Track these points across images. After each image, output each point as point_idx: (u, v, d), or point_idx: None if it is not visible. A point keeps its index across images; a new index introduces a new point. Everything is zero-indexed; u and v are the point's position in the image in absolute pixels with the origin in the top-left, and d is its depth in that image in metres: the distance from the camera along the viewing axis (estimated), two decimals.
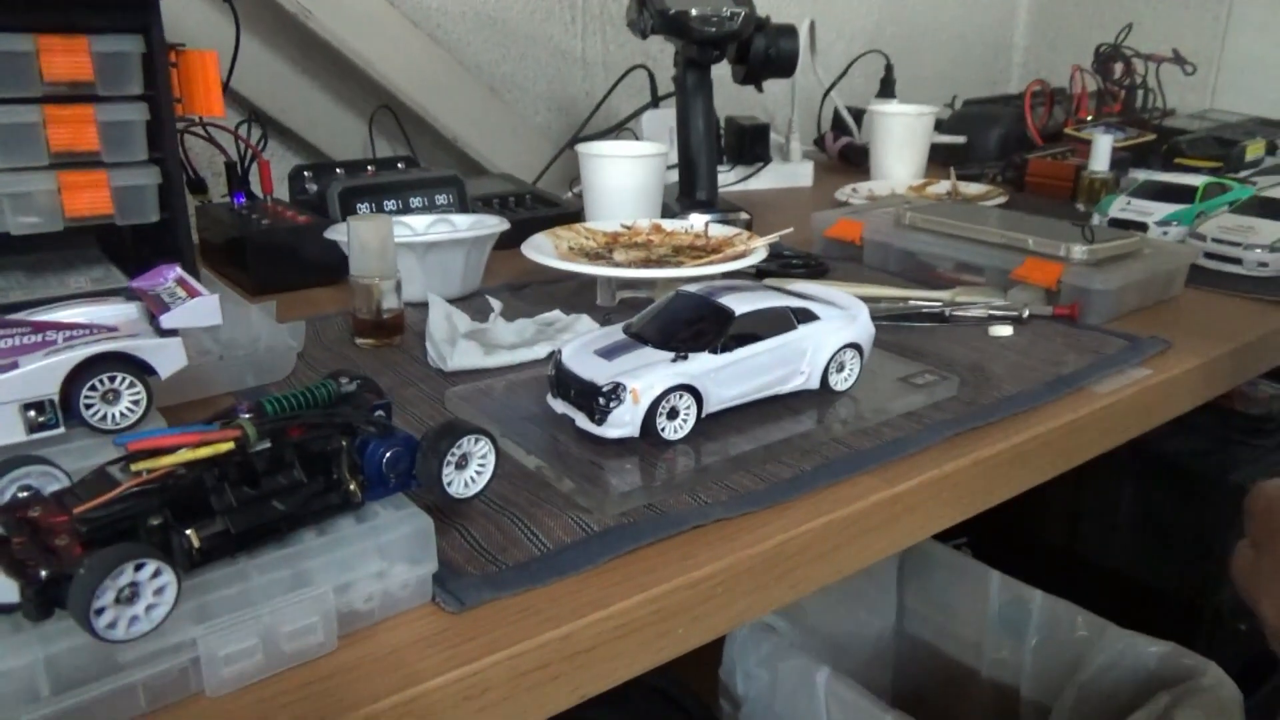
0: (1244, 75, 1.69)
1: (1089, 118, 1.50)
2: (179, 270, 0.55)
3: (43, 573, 0.32)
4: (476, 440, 0.43)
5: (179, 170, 0.81)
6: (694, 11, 0.98)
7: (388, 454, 0.41)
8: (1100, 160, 1.18)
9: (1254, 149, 1.29)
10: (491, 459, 0.44)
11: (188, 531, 0.35)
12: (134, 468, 0.35)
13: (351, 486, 0.40)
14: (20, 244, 0.74)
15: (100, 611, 0.31)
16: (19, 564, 0.33)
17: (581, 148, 1.01)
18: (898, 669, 1.25)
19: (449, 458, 0.42)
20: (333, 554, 0.38)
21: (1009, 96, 1.64)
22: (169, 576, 0.33)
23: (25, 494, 0.38)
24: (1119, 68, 1.54)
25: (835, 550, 0.51)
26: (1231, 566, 0.58)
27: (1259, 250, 0.89)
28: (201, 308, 0.47)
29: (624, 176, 0.98)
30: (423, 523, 0.40)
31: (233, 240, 0.89)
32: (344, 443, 0.40)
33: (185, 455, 0.36)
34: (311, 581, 0.38)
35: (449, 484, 0.42)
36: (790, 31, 1.12)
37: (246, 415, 0.38)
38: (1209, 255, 0.92)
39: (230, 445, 0.36)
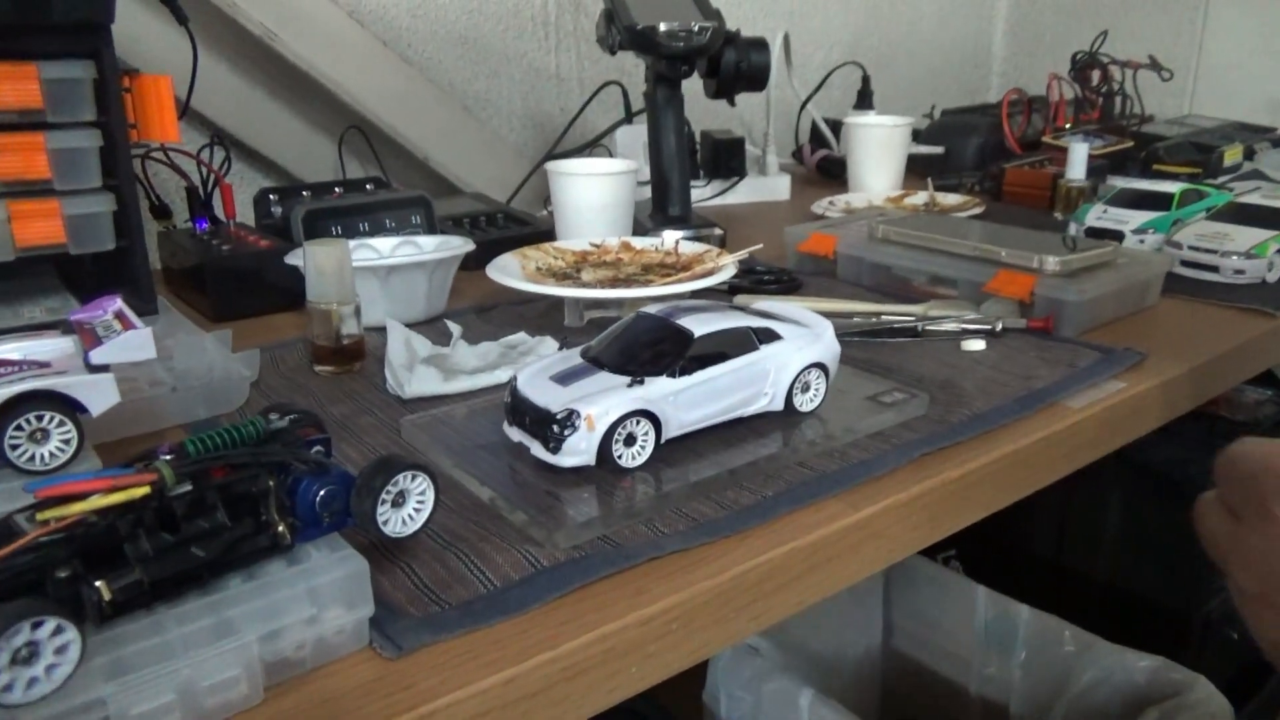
0: (1221, 80, 1.68)
1: (1067, 125, 1.49)
2: (119, 303, 0.53)
3: None
4: (413, 477, 0.41)
5: (134, 197, 0.79)
6: (662, 27, 0.97)
7: (321, 492, 0.39)
8: (1077, 168, 1.17)
9: (1231, 154, 1.29)
10: (430, 495, 0.42)
11: (98, 583, 0.33)
12: (40, 516, 0.33)
13: (280, 528, 0.38)
14: None
15: None
16: None
17: (550, 166, 1.00)
18: (885, 687, 1.23)
19: (384, 495, 0.40)
20: (260, 600, 0.37)
21: (987, 106, 1.64)
22: (71, 634, 0.31)
23: None
24: (1096, 75, 1.53)
25: (798, 579, 0.49)
26: (1198, 523, 0.55)
27: (1235, 257, 0.88)
28: (133, 342, 0.46)
29: (593, 194, 0.97)
30: (357, 565, 0.39)
31: (194, 267, 0.88)
32: (271, 483, 0.38)
33: (97, 501, 0.34)
34: (236, 630, 0.36)
35: (385, 522, 0.41)
36: (761, 44, 1.11)
37: (166, 457, 0.37)
38: (1185, 263, 0.91)
39: (146, 490, 0.35)
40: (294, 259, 0.80)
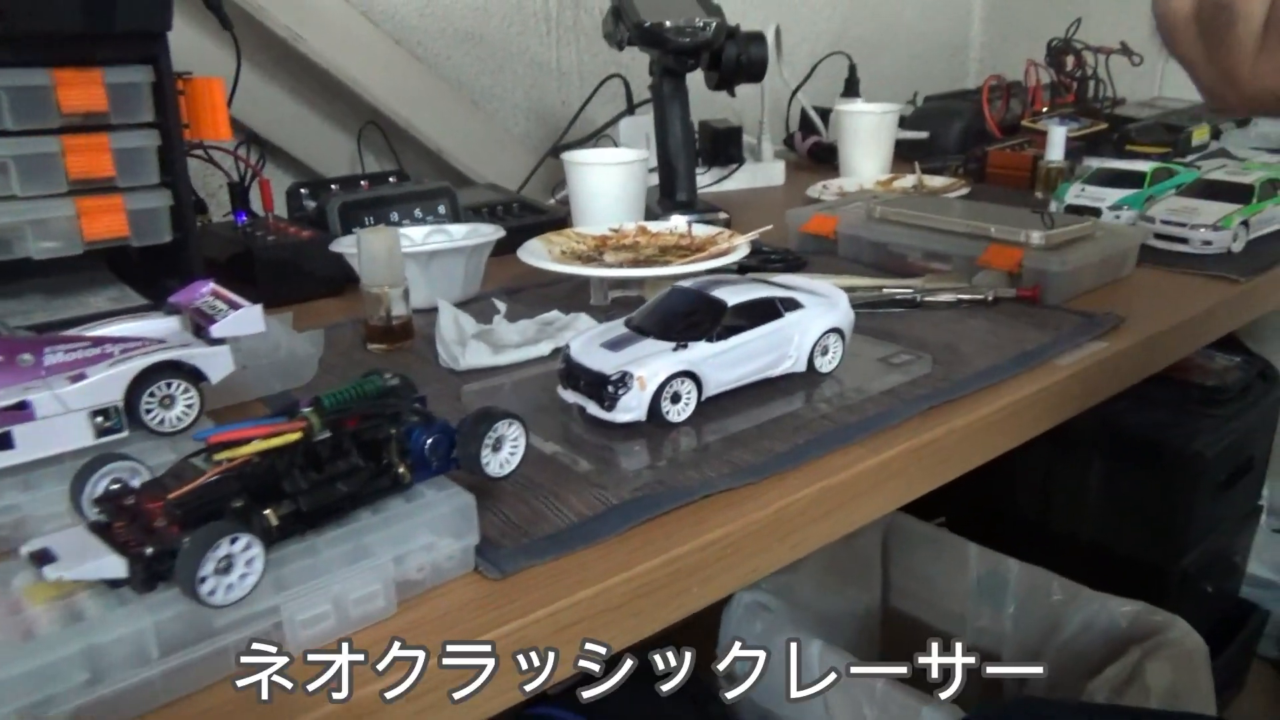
0: None
1: (1044, 109, 1.57)
2: (213, 284, 0.59)
3: (148, 550, 0.36)
4: (510, 424, 0.48)
5: (188, 192, 0.85)
6: (669, 23, 1.04)
7: (430, 440, 0.46)
8: (1055, 150, 1.24)
9: (1199, 134, 1.37)
10: (523, 441, 0.49)
11: (266, 511, 0.39)
12: (215, 458, 0.39)
13: (401, 470, 0.44)
14: (35, 268, 0.78)
15: (203, 580, 0.36)
16: (124, 544, 0.37)
17: (566, 156, 1.06)
18: (885, 641, 1.31)
19: (486, 441, 0.47)
20: (388, 530, 0.43)
21: (967, 92, 1.71)
22: (258, 549, 0.37)
23: (116, 486, 0.42)
24: (1070, 60, 1.61)
25: (830, 514, 0.56)
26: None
27: (1203, 230, 0.96)
28: (247, 317, 0.52)
29: (609, 182, 1.04)
30: (464, 500, 0.45)
31: (237, 256, 0.93)
32: (393, 431, 0.45)
33: (259, 445, 0.40)
34: (371, 554, 0.42)
35: (486, 464, 0.47)
36: (759, 38, 1.18)
37: (309, 408, 0.43)
38: (1158, 236, 0.98)
39: (298, 435, 0.41)
40: (338, 247, 0.86)
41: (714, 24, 1.05)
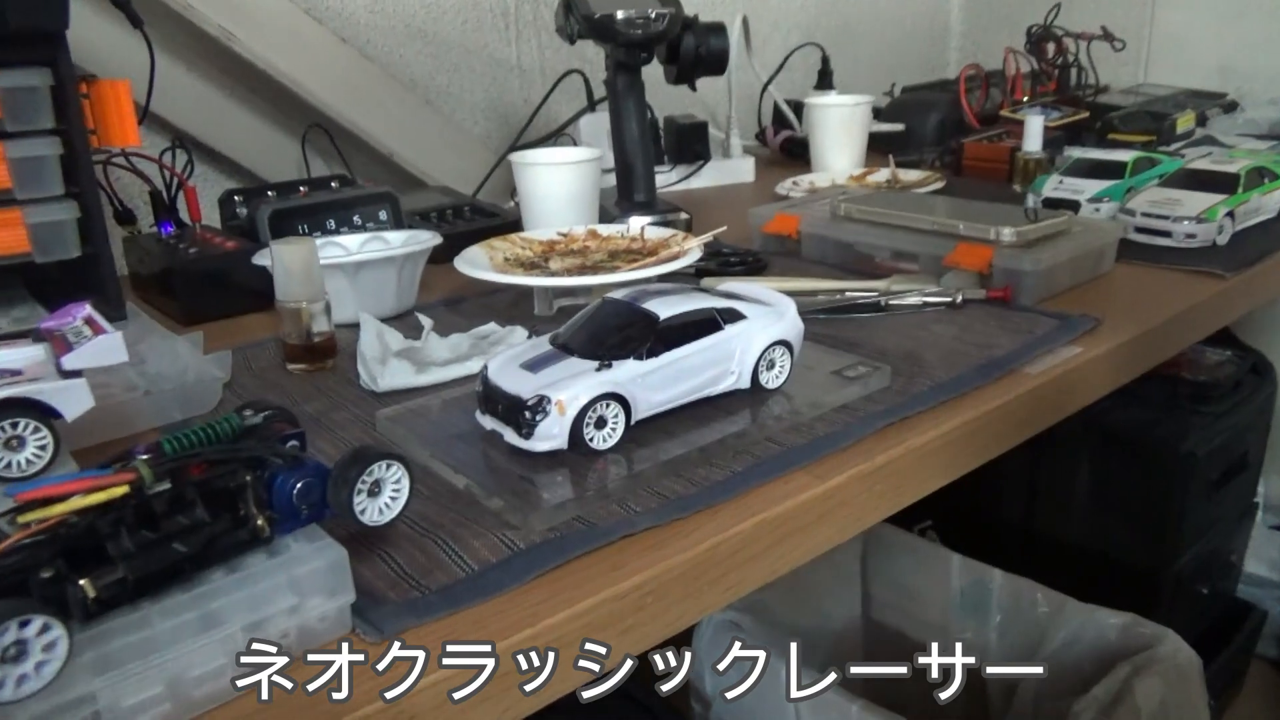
0: (1173, 48, 1.71)
1: (1025, 99, 1.51)
2: (88, 309, 0.54)
3: None
4: (388, 466, 0.42)
5: (97, 203, 0.79)
6: (619, 15, 0.98)
7: (298, 485, 0.40)
8: (1033, 141, 1.19)
9: (1184, 121, 1.31)
10: (406, 483, 0.43)
11: (81, 582, 0.34)
12: (21, 519, 0.34)
13: (259, 521, 0.39)
14: None
15: None
16: None
17: (514, 157, 1.01)
18: (866, 656, 1.25)
19: (360, 485, 0.41)
20: (242, 591, 0.38)
21: (946, 82, 1.66)
22: (58, 631, 0.32)
23: None
24: (1051, 47, 1.55)
25: (768, 550, 0.50)
26: None
27: (1187, 222, 0.90)
28: (104, 346, 0.46)
29: (558, 184, 0.98)
30: (336, 554, 0.40)
31: (161, 271, 0.88)
32: (248, 477, 0.39)
33: (77, 503, 0.35)
34: (221, 622, 0.37)
35: (362, 511, 0.42)
36: (719, 29, 1.12)
37: (144, 456, 0.37)
38: (1139, 230, 0.93)
39: (125, 489, 0.35)
40: (261, 259, 0.81)
41: (668, 15, 1.00)
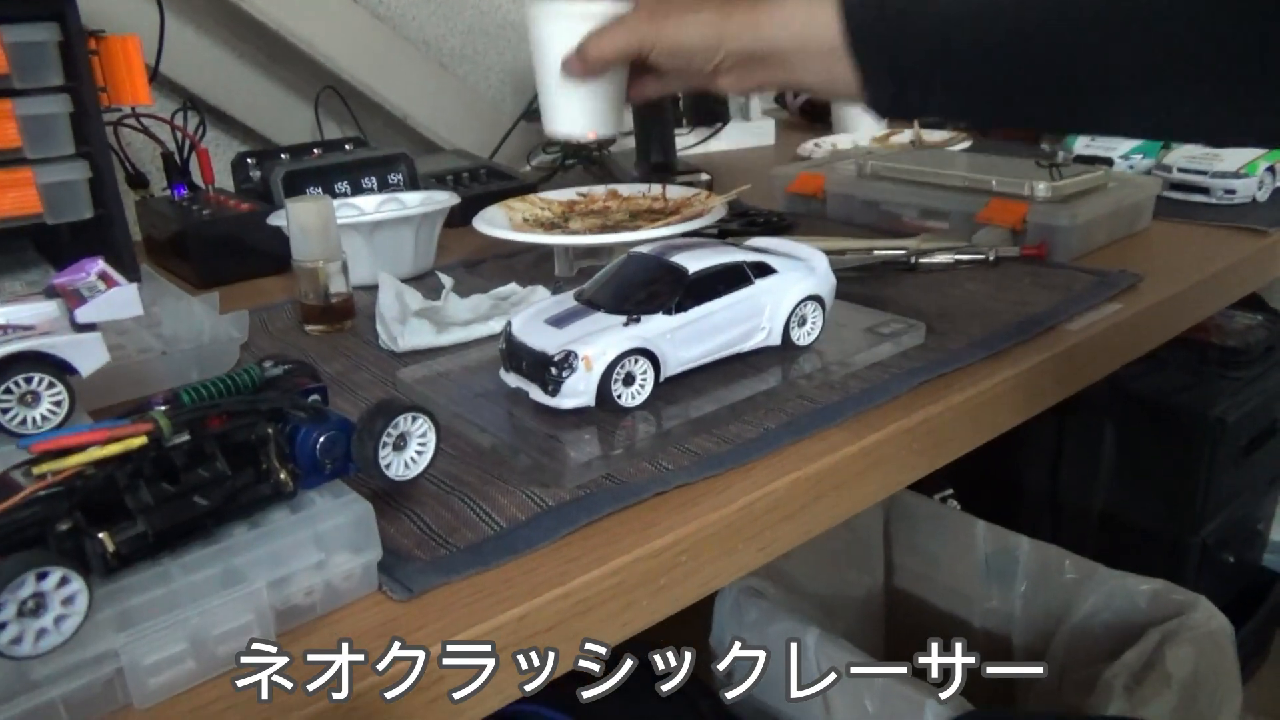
0: None
1: None
2: (101, 264, 0.52)
3: None
4: (414, 419, 0.40)
5: (109, 163, 0.77)
6: None
7: (321, 439, 0.39)
8: None
9: None
10: (432, 437, 0.42)
11: (100, 535, 0.32)
12: (37, 470, 0.32)
13: (282, 475, 0.37)
14: None
15: (2, 626, 0.29)
16: None
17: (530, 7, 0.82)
18: (889, 625, 1.24)
19: (385, 439, 0.40)
20: (265, 547, 0.36)
21: None
22: (78, 584, 0.30)
23: None
24: None
25: (804, 509, 0.49)
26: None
27: (1226, 178, 0.88)
28: (118, 299, 0.45)
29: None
30: (362, 509, 0.38)
31: (175, 234, 0.86)
32: (270, 430, 0.37)
33: (94, 454, 0.33)
34: (244, 578, 0.35)
35: (387, 466, 0.40)
36: None
37: (162, 407, 0.36)
38: (1175, 186, 0.90)
39: (143, 440, 0.34)
40: (276, 220, 0.79)
41: None
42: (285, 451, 0.38)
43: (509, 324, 0.56)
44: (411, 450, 0.41)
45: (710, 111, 1.34)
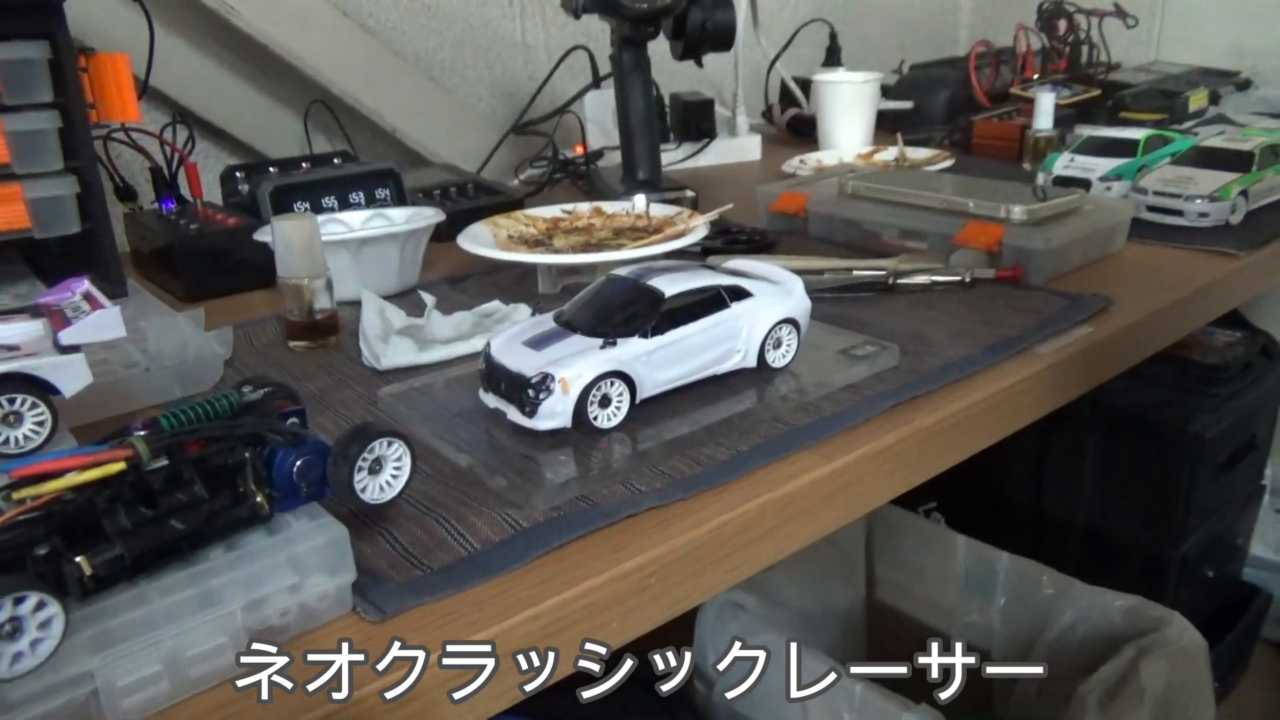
0: (1186, 26, 1.69)
1: (1035, 76, 1.49)
2: (86, 284, 0.53)
3: None
4: (389, 444, 0.41)
5: (97, 178, 0.78)
6: None
7: (298, 463, 0.40)
8: (1044, 118, 1.17)
9: (1197, 99, 1.29)
10: (407, 461, 0.42)
11: (78, 559, 0.33)
12: (16, 495, 0.33)
13: (258, 499, 0.38)
14: None
15: None
16: None
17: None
18: (870, 638, 1.25)
19: (360, 463, 0.40)
20: (242, 570, 0.37)
21: (956, 59, 1.64)
22: (54, 608, 0.31)
23: None
24: (1062, 24, 1.53)
25: (774, 530, 0.50)
26: None
27: (1199, 200, 0.89)
28: (102, 321, 0.45)
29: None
30: (337, 532, 0.39)
31: (162, 248, 0.87)
32: (247, 454, 0.38)
33: (73, 478, 0.34)
34: (220, 600, 0.36)
35: (362, 490, 0.41)
36: (726, 3, 1.10)
37: (140, 432, 0.37)
38: (1151, 208, 0.91)
39: (121, 465, 0.35)
40: (263, 235, 0.80)
41: None
42: (262, 475, 0.39)
43: (488, 345, 0.57)
44: (387, 474, 0.42)
45: (697, 127, 1.35)
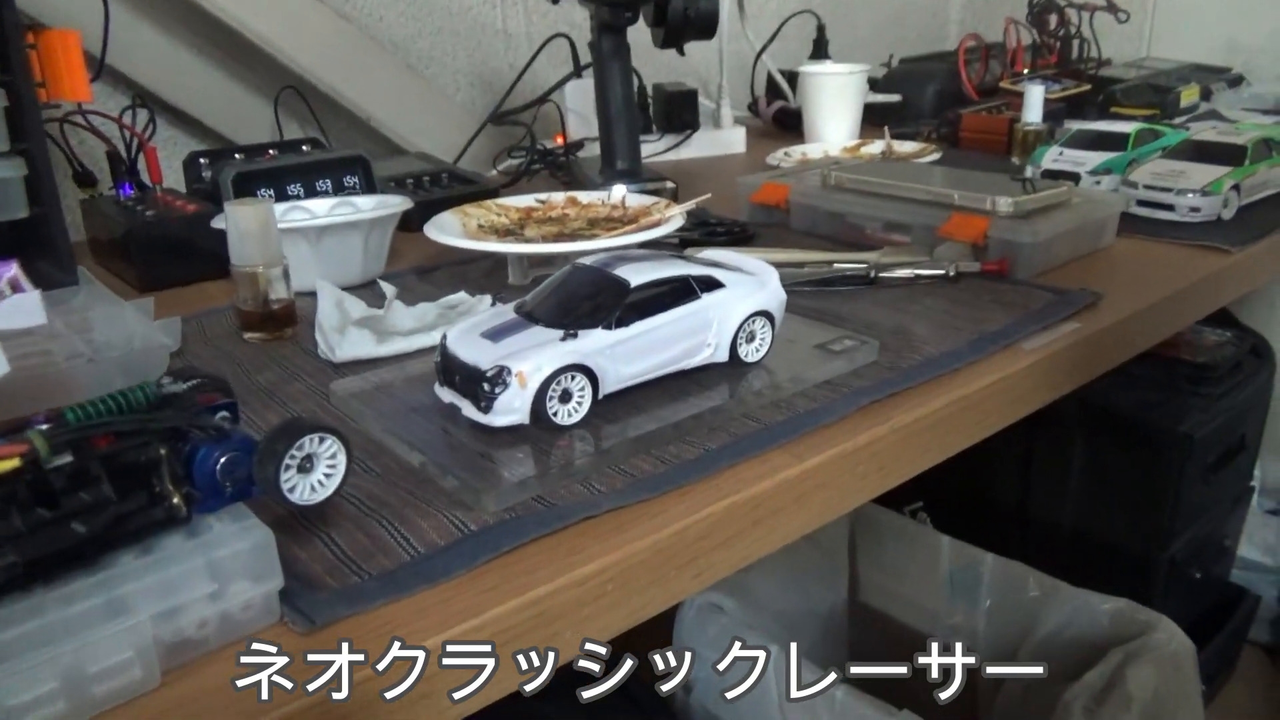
0: (1177, 21, 1.67)
1: (1025, 71, 1.47)
2: (14, 269, 0.50)
3: None
4: (321, 440, 0.38)
5: (46, 160, 0.75)
6: None
7: (222, 460, 0.37)
8: (1033, 112, 1.15)
9: (1188, 95, 1.27)
10: (342, 459, 0.39)
11: None
12: None
13: (175, 499, 0.35)
14: None
15: None
16: None
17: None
18: (853, 640, 1.23)
19: (289, 460, 0.37)
20: (154, 576, 0.34)
21: (945, 54, 1.61)
22: None
23: None
24: (1053, 19, 1.51)
25: (741, 534, 0.47)
26: None
27: (1191, 195, 0.87)
28: (18, 306, 0.42)
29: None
30: (262, 535, 0.36)
31: (118, 235, 0.84)
32: (164, 451, 0.35)
33: None
34: (129, 610, 0.33)
35: (291, 489, 0.38)
36: None
37: (43, 426, 0.34)
38: (1141, 203, 0.89)
39: (16, 462, 0.32)
40: (220, 223, 0.77)
41: None
42: (179, 473, 0.36)
43: (444, 336, 0.54)
44: (319, 473, 0.39)
45: (680, 119, 1.32)
